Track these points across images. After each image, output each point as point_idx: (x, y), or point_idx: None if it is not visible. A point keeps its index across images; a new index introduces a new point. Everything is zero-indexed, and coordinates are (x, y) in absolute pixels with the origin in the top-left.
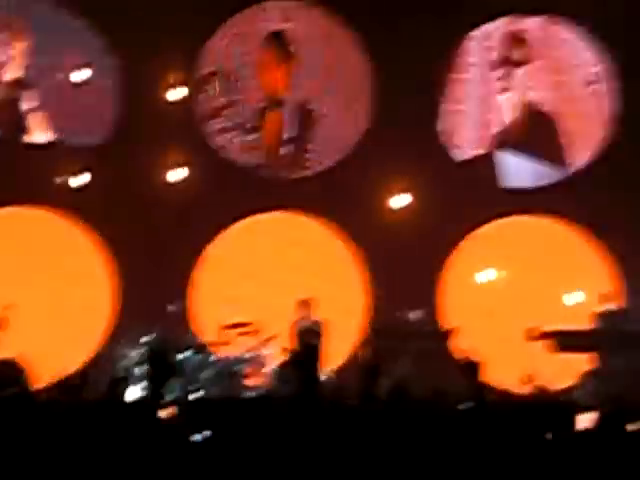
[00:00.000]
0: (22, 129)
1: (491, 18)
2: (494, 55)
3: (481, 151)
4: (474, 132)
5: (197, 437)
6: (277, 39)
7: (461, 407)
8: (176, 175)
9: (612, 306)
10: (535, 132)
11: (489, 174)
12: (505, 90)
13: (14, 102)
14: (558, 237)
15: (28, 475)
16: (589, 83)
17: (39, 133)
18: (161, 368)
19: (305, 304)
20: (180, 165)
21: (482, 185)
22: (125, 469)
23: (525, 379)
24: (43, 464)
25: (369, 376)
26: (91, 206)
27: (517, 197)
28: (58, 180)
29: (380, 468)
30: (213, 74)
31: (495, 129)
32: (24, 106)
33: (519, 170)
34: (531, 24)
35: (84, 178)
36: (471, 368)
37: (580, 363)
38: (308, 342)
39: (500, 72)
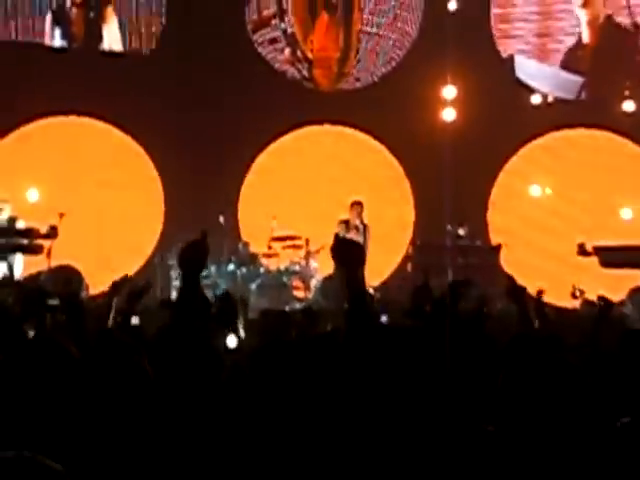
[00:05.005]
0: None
1: None
2: None
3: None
4: (531, 46)
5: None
6: None
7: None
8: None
9: None
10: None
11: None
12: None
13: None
14: (611, 152)
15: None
16: None
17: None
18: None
19: (358, 205)
20: (231, 75)
21: (535, 98)
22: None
23: (575, 293)
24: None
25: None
26: (139, 116)
27: (570, 110)
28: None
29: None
30: None
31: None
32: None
33: (573, 82)
34: None
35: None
36: (517, 292)
37: (630, 279)
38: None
39: None
